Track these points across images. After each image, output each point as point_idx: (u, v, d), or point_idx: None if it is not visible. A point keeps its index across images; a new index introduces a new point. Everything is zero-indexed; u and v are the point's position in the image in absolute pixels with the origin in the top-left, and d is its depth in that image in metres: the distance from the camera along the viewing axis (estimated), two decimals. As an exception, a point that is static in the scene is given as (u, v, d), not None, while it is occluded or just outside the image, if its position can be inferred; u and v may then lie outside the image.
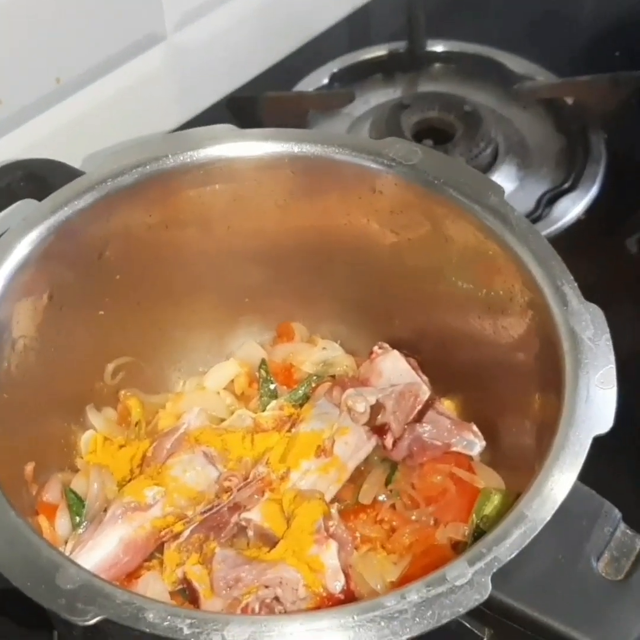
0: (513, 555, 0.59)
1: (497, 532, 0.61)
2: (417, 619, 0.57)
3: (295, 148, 0.82)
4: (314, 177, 0.84)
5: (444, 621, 0.57)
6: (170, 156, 0.81)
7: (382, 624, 0.57)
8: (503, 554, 0.59)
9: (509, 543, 0.60)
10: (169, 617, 0.57)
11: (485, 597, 0.58)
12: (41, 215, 0.77)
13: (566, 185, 1.26)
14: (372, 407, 0.86)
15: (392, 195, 0.82)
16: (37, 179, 0.84)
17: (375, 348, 0.91)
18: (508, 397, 0.82)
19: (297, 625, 0.57)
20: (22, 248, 0.75)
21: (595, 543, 0.63)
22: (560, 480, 0.63)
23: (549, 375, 0.71)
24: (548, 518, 0.61)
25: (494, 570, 0.59)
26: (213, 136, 0.82)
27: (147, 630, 0.56)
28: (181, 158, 0.82)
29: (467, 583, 0.58)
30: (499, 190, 0.78)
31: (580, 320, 0.70)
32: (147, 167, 0.81)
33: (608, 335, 0.70)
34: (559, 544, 0.63)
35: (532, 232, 0.76)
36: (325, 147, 0.81)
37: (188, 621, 0.57)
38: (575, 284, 0.72)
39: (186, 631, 0.56)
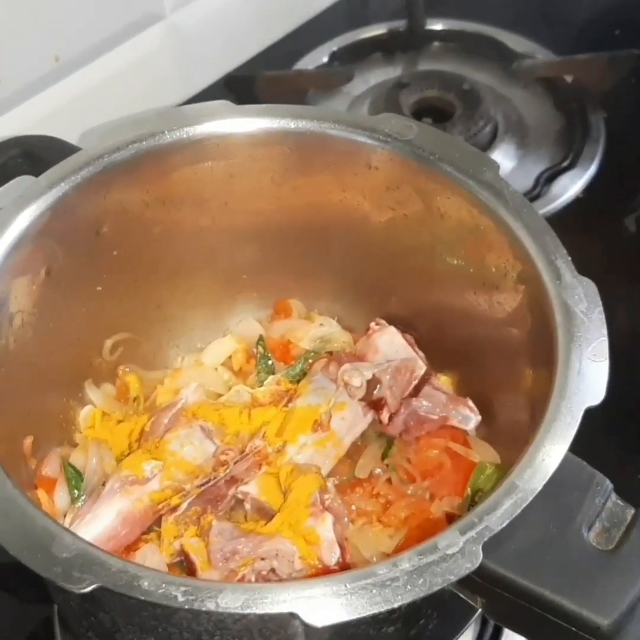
0: (504, 525, 0.60)
1: (489, 502, 0.61)
2: (409, 587, 0.57)
3: (290, 124, 0.82)
4: (310, 153, 0.84)
5: (435, 588, 0.57)
6: (166, 132, 0.81)
7: (374, 591, 0.57)
8: (494, 523, 0.60)
9: (500, 513, 0.60)
10: (163, 585, 0.57)
11: (476, 565, 0.58)
12: (38, 191, 0.77)
13: (565, 164, 1.26)
14: (368, 381, 0.87)
15: (388, 171, 0.83)
16: (34, 156, 0.85)
17: (372, 324, 0.92)
18: (502, 372, 0.82)
19: (290, 593, 0.58)
20: (19, 224, 0.75)
21: (586, 513, 0.64)
22: (551, 451, 0.63)
23: (542, 349, 0.71)
24: (539, 488, 0.62)
25: (485, 539, 0.59)
26: (209, 112, 0.82)
27: (142, 597, 0.57)
28: (177, 134, 0.82)
29: (459, 552, 0.59)
30: (493, 165, 0.79)
31: (573, 294, 0.71)
32: (143, 143, 0.81)
33: (601, 309, 0.70)
34: (550, 514, 0.63)
35: (526, 207, 0.76)
36: (320, 123, 0.82)
37: (182, 588, 0.57)
38: (569, 258, 0.73)
39: (180, 598, 0.57)
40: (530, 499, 0.61)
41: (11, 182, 0.85)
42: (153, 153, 0.82)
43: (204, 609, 0.57)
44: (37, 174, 0.81)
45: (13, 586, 0.91)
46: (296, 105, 0.83)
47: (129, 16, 1.21)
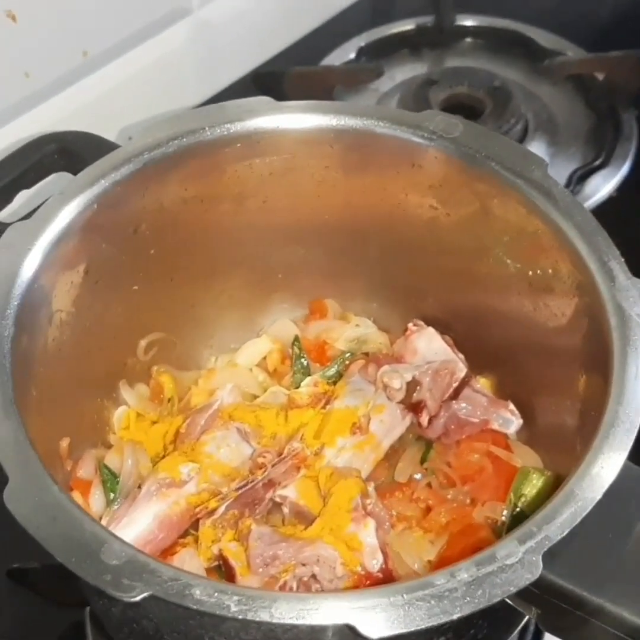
0: (564, 534, 0.59)
1: (547, 511, 0.60)
2: (468, 598, 0.56)
3: (333, 121, 0.81)
4: (352, 151, 0.82)
5: (495, 600, 0.56)
6: (207, 129, 0.80)
7: (432, 602, 0.56)
8: (553, 533, 0.59)
9: (559, 522, 0.59)
10: (216, 594, 0.56)
11: (536, 576, 0.57)
12: (78, 187, 0.76)
13: (597, 163, 1.24)
14: (407, 384, 0.85)
15: (431, 169, 0.81)
16: (70, 152, 0.83)
17: (410, 325, 0.90)
18: (546, 374, 0.81)
19: (345, 603, 0.57)
20: (60, 220, 0.74)
21: (645, 523, 0.62)
22: (610, 459, 0.62)
23: (595, 352, 0.69)
24: (598, 497, 0.60)
25: (545, 549, 0.58)
26: (250, 109, 0.81)
27: (194, 607, 0.56)
28: (218, 131, 0.80)
29: (518, 562, 0.57)
30: (541, 163, 0.77)
31: (627, 296, 0.69)
32: (184, 139, 0.80)
33: (657, 312, 0.68)
34: (608, 523, 0.62)
35: (576, 207, 0.75)
36: (364, 120, 0.80)
37: (235, 598, 0.56)
38: (622, 259, 0.71)
39: (234, 608, 0.56)
40: (590, 507, 0.60)
41: (48, 179, 0.83)
42: (193, 150, 0.80)
43: (257, 619, 0.55)
44: (73, 170, 0.80)
45: (43, 588, 0.90)
46: (339, 102, 0.82)
47: (156, 11, 1.20)
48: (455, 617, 0.56)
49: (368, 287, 0.95)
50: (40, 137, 0.84)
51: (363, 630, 0.55)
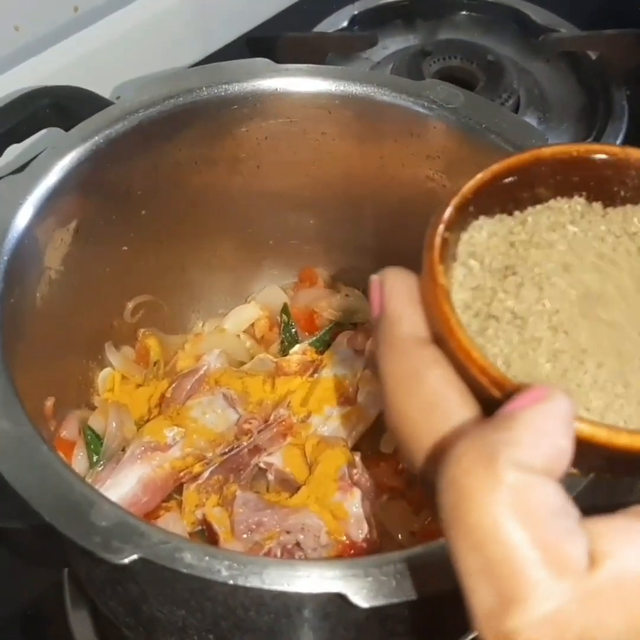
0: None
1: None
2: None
3: (333, 86, 0.80)
4: (351, 117, 0.81)
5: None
6: (204, 88, 0.79)
7: (425, 573, 0.56)
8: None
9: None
10: (206, 558, 0.55)
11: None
12: (71, 143, 0.74)
13: (588, 141, 1.24)
14: (397, 355, 0.85)
15: (430, 139, 0.80)
16: (64, 107, 0.82)
17: (401, 296, 0.89)
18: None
19: (336, 572, 0.56)
20: (53, 176, 0.73)
21: None
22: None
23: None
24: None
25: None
26: (249, 70, 0.80)
27: (185, 570, 0.55)
28: (215, 91, 0.79)
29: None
30: (541, 137, 0.77)
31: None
32: (180, 98, 0.78)
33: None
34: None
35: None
36: (365, 86, 0.79)
37: (226, 563, 0.55)
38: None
39: (224, 573, 0.55)
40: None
41: (41, 133, 0.81)
42: (189, 110, 0.79)
43: (248, 585, 0.55)
44: (66, 125, 0.78)
45: (22, 549, 0.89)
46: (339, 67, 0.80)
47: (149, -31, 1.18)
48: (447, 588, 0.55)
49: (359, 257, 0.94)
50: (32, 91, 0.82)
51: (354, 599, 0.55)
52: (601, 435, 0.34)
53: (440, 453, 0.34)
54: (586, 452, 0.34)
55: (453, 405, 0.36)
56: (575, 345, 0.37)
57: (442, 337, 0.37)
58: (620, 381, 0.37)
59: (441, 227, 0.39)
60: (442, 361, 0.37)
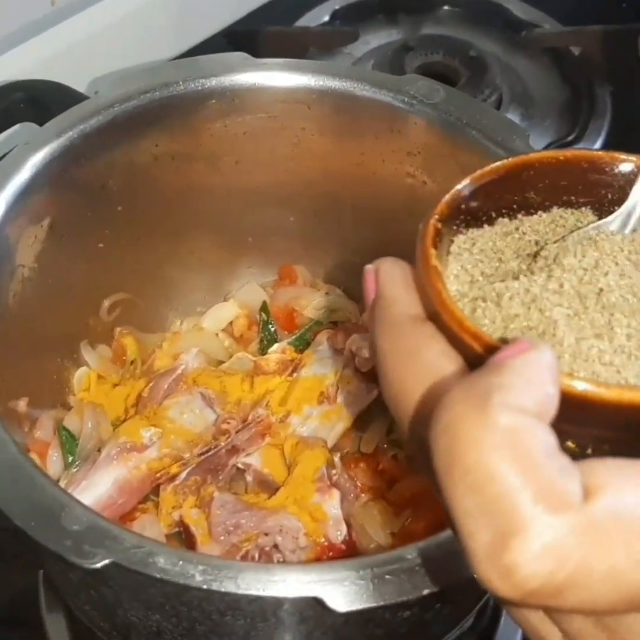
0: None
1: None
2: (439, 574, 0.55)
3: (312, 81, 0.78)
4: (331, 113, 0.80)
5: (468, 575, 0.55)
6: (181, 83, 0.77)
7: (403, 577, 0.55)
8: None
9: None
10: (180, 563, 0.54)
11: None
12: (45, 138, 0.73)
13: (570, 138, 1.23)
14: (377, 354, 0.84)
15: (411, 135, 0.79)
16: (38, 101, 0.80)
17: (381, 295, 0.88)
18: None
19: (313, 576, 0.55)
20: (25, 172, 0.71)
21: None
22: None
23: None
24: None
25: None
26: (227, 64, 0.78)
27: (158, 575, 0.54)
28: (192, 85, 0.78)
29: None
30: (523, 134, 0.76)
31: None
32: (156, 93, 0.77)
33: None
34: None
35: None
36: (345, 81, 0.78)
37: (200, 567, 0.54)
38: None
39: (199, 578, 0.54)
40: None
41: (14, 128, 0.80)
42: (166, 105, 0.78)
43: (223, 589, 0.54)
44: (40, 120, 0.77)
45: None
46: (319, 62, 0.79)
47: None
48: (425, 592, 0.54)
49: (339, 254, 0.93)
50: (6, 85, 0.81)
51: (331, 603, 0.54)
52: (594, 390, 0.34)
53: (434, 407, 0.35)
54: (579, 416, 0.35)
55: (452, 376, 0.37)
56: (550, 321, 0.38)
57: (435, 312, 0.39)
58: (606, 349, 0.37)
59: (435, 218, 0.41)
60: (438, 336, 0.38)
